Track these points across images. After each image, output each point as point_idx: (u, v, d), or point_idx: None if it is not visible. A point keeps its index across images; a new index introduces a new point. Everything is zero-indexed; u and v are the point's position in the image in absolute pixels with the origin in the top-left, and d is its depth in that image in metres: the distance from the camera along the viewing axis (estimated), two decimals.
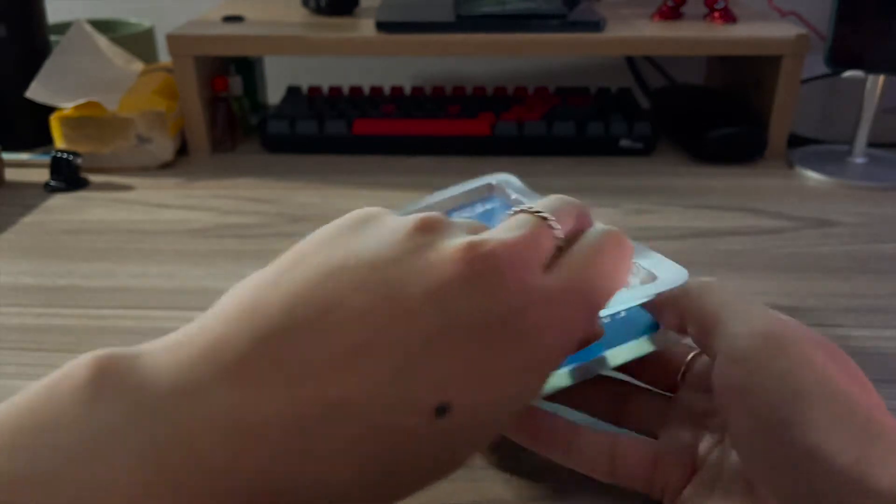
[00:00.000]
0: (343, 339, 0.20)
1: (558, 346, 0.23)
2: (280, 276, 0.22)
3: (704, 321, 0.28)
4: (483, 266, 0.22)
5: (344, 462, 0.20)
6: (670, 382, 0.33)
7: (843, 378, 0.25)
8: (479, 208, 0.45)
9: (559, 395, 0.33)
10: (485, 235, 0.23)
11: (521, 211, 0.26)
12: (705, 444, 0.30)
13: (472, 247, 0.22)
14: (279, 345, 0.20)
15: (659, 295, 0.30)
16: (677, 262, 0.37)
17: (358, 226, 0.25)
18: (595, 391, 0.33)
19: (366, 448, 0.20)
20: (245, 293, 0.22)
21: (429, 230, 0.23)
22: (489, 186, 0.46)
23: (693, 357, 0.33)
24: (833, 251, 0.54)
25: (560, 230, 0.25)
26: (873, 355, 0.42)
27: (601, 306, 0.25)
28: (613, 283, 0.25)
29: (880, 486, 0.22)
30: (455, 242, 0.22)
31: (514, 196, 0.44)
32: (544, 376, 0.23)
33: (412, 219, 0.24)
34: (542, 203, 0.26)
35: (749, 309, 0.27)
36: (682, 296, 0.30)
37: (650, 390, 0.34)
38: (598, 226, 0.27)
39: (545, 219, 0.25)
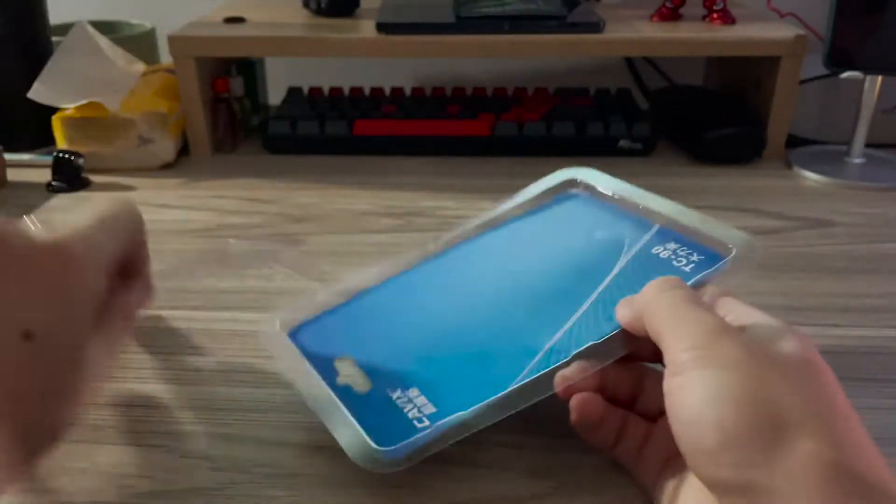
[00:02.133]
0: None
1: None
2: None
3: (656, 338, 0.30)
4: None
5: None
6: None
7: (778, 381, 0.26)
8: (559, 208, 0.45)
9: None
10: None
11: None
12: None
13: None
14: None
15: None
16: None
17: None
18: (618, 374, 0.34)
19: None
20: None
21: None
22: (571, 182, 0.46)
23: None
24: (831, 251, 0.54)
25: None
26: (872, 355, 0.42)
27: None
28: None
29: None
30: None
31: (601, 190, 0.44)
32: (78, 303, 0.28)
33: None
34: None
35: (688, 321, 0.29)
36: (635, 316, 0.32)
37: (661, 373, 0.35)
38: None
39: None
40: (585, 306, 0.36)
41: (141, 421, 0.37)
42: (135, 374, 0.41)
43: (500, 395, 0.33)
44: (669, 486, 0.30)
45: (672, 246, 0.39)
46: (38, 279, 0.26)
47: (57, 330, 0.26)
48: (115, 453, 0.35)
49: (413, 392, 0.34)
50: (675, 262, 0.37)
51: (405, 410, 0.33)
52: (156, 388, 0.40)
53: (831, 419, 0.25)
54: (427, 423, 0.32)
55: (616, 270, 0.38)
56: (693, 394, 0.26)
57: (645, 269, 0.38)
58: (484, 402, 0.32)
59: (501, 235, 0.44)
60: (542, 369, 0.33)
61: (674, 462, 0.30)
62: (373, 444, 0.31)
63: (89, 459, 0.35)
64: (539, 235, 0.43)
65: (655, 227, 0.40)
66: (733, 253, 0.36)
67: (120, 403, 0.39)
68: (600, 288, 0.37)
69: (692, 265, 0.37)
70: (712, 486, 0.26)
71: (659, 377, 0.34)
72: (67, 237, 0.28)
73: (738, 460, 0.24)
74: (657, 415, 0.34)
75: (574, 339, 0.35)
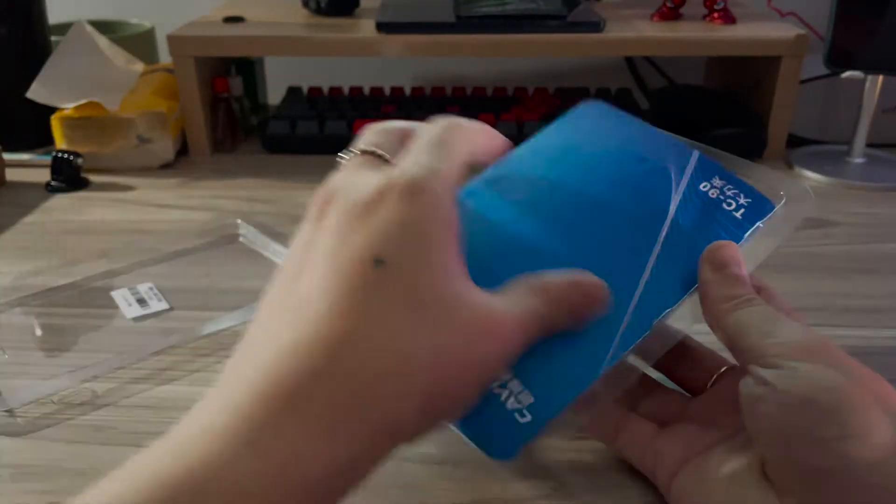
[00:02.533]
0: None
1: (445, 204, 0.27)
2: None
3: (735, 341, 0.29)
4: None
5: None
6: (697, 385, 0.35)
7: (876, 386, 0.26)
8: (583, 120, 0.40)
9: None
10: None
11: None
12: (712, 437, 0.31)
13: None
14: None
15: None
16: None
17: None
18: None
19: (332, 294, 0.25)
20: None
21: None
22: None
23: (725, 370, 0.34)
24: (832, 251, 0.54)
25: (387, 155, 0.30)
26: (872, 355, 0.42)
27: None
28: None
29: None
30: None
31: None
32: (444, 232, 0.27)
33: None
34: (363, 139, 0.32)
35: (782, 325, 0.28)
36: (716, 315, 0.30)
37: (671, 389, 0.35)
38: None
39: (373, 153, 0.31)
40: (652, 261, 0.31)
41: (141, 421, 0.37)
42: (135, 374, 0.41)
43: (597, 380, 0.29)
44: (690, 485, 0.30)
45: (718, 182, 0.34)
46: (388, 216, 0.26)
47: (409, 262, 0.25)
48: (116, 453, 0.35)
49: (506, 373, 0.29)
50: (725, 206, 0.33)
51: (502, 399, 0.28)
52: (156, 389, 0.40)
53: None
54: (528, 417, 0.28)
55: (672, 213, 0.33)
56: (801, 381, 0.26)
57: (699, 213, 0.33)
58: (582, 392, 0.28)
59: (537, 154, 0.38)
60: (629, 344, 0.29)
61: (692, 462, 0.30)
62: (482, 453, 0.28)
63: (89, 460, 0.35)
64: (573, 152, 0.38)
65: (696, 154, 0.35)
66: (783, 200, 0.33)
67: (120, 404, 0.39)
68: (661, 237, 0.32)
69: (742, 210, 0.33)
70: (809, 473, 0.25)
71: (665, 390, 0.35)
72: (419, 176, 0.27)
73: (853, 446, 0.24)
74: (667, 418, 0.33)
75: (649, 305, 0.30)
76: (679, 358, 0.35)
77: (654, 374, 0.36)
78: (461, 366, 0.25)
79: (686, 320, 0.32)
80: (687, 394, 0.35)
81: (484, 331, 0.26)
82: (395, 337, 0.24)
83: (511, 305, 0.27)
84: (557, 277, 0.29)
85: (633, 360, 0.31)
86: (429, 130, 0.30)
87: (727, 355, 0.35)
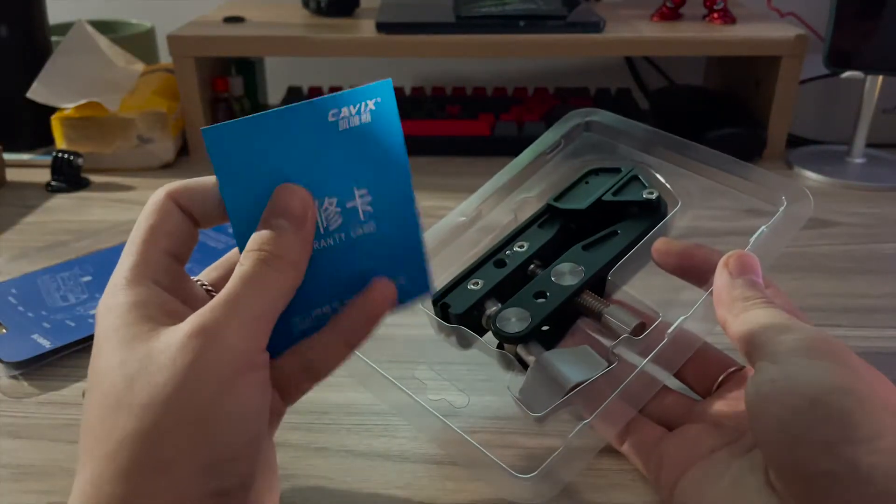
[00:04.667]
0: None
1: None
2: None
3: (746, 338, 0.29)
4: None
5: None
6: (705, 387, 0.35)
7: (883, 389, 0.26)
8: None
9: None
10: None
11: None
12: (716, 441, 0.31)
13: None
14: None
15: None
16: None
17: None
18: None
19: None
20: None
21: None
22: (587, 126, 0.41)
23: (732, 371, 0.34)
24: (832, 251, 0.54)
25: None
26: (872, 355, 0.42)
27: None
28: None
29: None
30: None
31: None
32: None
33: None
34: None
35: (794, 325, 0.28)
36: (730, 312, 0.31)
37: (676, 391, 0.35)
38: None
39: None
40: None
41: None
42: None
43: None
44: (693, 491, 0.29)
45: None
46: None
47: None
48: None
49: None
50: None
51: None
52: None
53: None
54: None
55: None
56: (810, 381, 0.25)
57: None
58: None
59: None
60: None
61: (695, 466, 0.30)
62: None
63: None
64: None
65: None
66: (784, 205, 0.34)
67: None
68: None
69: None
70: (815, 477, 0.24)
71: (670, 392, 0.35)
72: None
73: (861, 450, 0.24)
74: (673, 421, 0.34)
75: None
76: (688, 359, 0.35)
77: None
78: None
79: (703, 326, 0.33)
80: (694, 395, 0.35)
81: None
82: None
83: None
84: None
85: (655, 371, 0.32)
86: None
87: (736, 357, 0.35)
